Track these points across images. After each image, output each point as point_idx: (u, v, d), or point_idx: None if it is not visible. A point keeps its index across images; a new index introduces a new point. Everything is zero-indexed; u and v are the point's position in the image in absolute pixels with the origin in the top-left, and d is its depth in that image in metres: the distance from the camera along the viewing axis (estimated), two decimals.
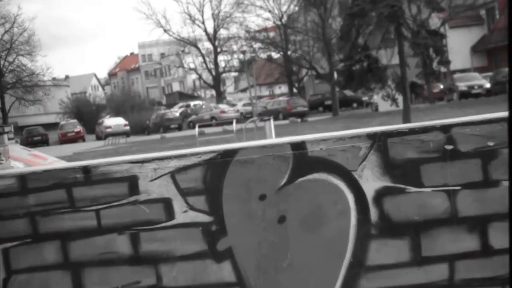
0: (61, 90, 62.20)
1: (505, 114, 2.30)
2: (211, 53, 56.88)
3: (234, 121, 24.37)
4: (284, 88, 60.98)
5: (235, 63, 58.92)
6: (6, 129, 4.30)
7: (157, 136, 36.44)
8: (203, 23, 55.45)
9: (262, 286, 2.39)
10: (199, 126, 24.17)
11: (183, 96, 75.29)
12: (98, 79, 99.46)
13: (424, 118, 19.13)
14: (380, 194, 2.34)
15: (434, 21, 33.35)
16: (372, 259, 2.35)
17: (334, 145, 2.37)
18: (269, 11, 48.04)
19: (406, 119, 21.25)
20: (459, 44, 42.51)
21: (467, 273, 2.33)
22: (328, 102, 43.67)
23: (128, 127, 44.04)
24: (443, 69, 27.12)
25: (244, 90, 64.85)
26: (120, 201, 2.44)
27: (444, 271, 2.34)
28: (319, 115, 42.60)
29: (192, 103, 57.50)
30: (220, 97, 57.80)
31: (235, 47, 54.88)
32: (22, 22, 46.40)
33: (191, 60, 60.11)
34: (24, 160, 4.73)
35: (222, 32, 55.97)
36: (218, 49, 56.42)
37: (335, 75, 34.40)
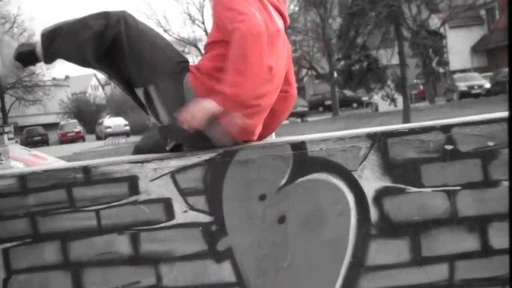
0: (61, 90, 62.16)
1: (505, 114, 2.30)
2: None
3: None
4: None
5: None
6: (6, 129, 4.30)
7: None
8: (203, 23, 55.44)
9: (262, 286, 2.39)
10: None
11: None
12: (98, 79, 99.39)
13: (424, 118, 19.13)
14: (380, 194, 2.34)
15: (434, 21, 33.32)
16: (372, 259, 2.35)
17: (334, 145, 2.37)
18: None
19: (406, 119, 21.24)
20: (459, 44, 42.49)
21: (467, 273, 2.33)
22: (328, 102, 43.65)
23: (128, 127, 44.02)
24: (441, 70, 27.07)
25: None
26: (120, 201, 2.44)
27: (444, 271, 2.34)
28: (319, 115, 42.59)
29: None
30: None
31: None
32: (22, 22, 46.43)
33: (191, 60, 60.04)
34: (24, 160, 4.73)
35: None
36: None
37: (335, 75, 34.40)
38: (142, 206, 2.43)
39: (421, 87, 41.28)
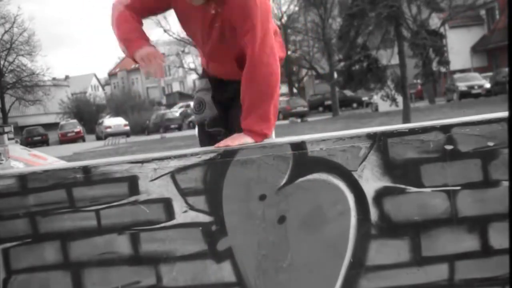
0: (61, 90, 62.20)
1: (505, 114, 2.30)
2: None
3: None
4: (284, 88, 60.97)
5: None
6: (6, 129, 4.30)
7: (157, 136, 36.44)
8: None
9: (262, 286, 2.39)
10: None
11: (183, 96, 75.36)
12: (98, 79, 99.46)
13: (424, 118, 19.13)
14: (380, 194, 2.34)
15: (434, 21, 33.33)
16: (372, 259, 2.35)
17: (334, 145, 2.37)
18: None
19: (406, 119, 21.25)
20: (459, 44, 42.50)
21: (467, 273, 2.33)
22: (328, 102, 43.68)
23: (128, 127, 44.08)
24: (443, 69, 27.08)
25: None
26: (120, 201, 2.44)
27: (444, 271, 2.34)
28: (319, 115, 42.61)
29: (192, 103, 57.37)
30: None
31: None
32: (22, 22, 46.43)
33: (191, 60, 60.03)
34: (24, 160, 4.73)
35: None
36: None
37: (335, 75, 34.41)
38: (142, 206, 2.43)
39: (419, 86, 41.38)
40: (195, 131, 3.15)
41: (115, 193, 2.44)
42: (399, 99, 23.50)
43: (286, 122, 35.00)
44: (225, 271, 2.40)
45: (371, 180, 2.35)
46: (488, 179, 2.31)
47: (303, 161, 2.37)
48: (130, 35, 2.75)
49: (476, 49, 45.68)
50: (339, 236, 2.36)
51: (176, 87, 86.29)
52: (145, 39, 2.75)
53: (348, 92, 42.50)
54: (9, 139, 4.34)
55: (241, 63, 2.66)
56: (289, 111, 39.63)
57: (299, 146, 2.39)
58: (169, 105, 67.93)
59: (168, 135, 36.21)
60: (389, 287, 2.35)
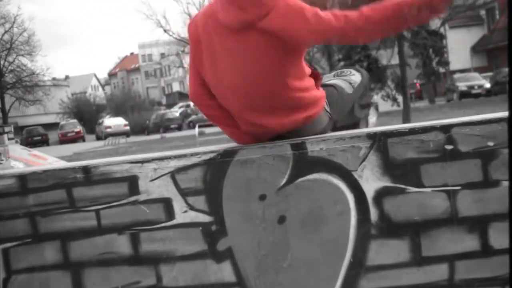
0: (61, 90, 62.22)
1: (505, 114, 2.30)
2: None
3: None
4: None
5: None
6: (6, 129, 4.30)
7: (157, 136, 36.45)
8: None
9: (262, 286, 2.39)
10: (199, 126, 24.15)
11: (183, 96, 75.36)
12: (98, 79, 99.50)
13: (424, 118, 19.13)
14: (380, 194, 2.34)
15: (434, 21, 33.34)
16: (372, 259, 2.35)
17: (334, 145, 2.37)
18: None
19: (406, 119, 21.25)
20: (459, 44, 42.50)
21: (467, 273, 2.33)
22: None
23: (128, 127, 44.11)
24: (442, 70, 27.12)
25: None
26: (120, 201, 2.44)
27: (444, 271, 2.34)
28: None
29: (192, 103, 57.45)
30: None
31: None
32: (22, 22, 46.51)
33: None
34: (24, 160, 4.73)
35: None
36: None
37: None
38: (142, 206, 2.43)
39: (418, 86, 41.47)
40: (195, 131, 3.15)
41: (115, 193, 2.44)
42: (400, 99, 23.52)
43: None
44: (225, 271, 2.40)
45: (371, 180, 2.35)
46: (488, 179, 2.31)
47: (303, 161, 2.37)
48: None
49: (476, 49, 45.69)
50: (339, 236, 2.36)
51: (176, 87, 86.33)
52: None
53: None
54: (9, 139, 4.34)
55: None
56: None
57: (299, 146, 2.39)
58: (169, 105, 67.99)
59: (168, 135, 36.21)
60: (389, 287, 2.35)
